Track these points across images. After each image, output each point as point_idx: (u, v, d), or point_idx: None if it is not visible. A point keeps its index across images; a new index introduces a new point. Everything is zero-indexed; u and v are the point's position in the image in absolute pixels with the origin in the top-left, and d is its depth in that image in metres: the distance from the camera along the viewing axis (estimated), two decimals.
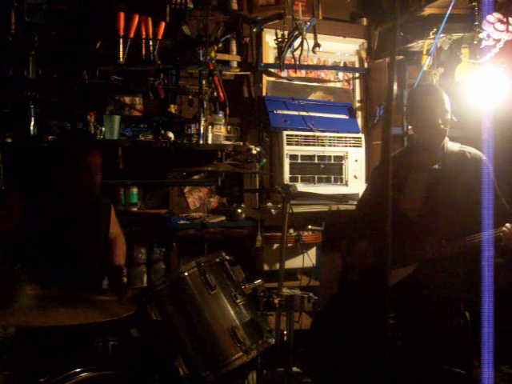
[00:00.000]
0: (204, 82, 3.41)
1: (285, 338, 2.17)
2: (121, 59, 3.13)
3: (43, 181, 2.26)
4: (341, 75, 4.17)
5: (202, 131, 3.33)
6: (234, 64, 3.71)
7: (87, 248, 2.27)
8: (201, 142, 3.33)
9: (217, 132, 3.43)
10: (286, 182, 3.48)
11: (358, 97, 4.13)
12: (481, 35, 2.97)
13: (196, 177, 3.66)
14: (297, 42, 3.43)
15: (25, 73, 2.93)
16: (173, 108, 3.49)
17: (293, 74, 3.97)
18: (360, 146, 3.75)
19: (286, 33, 3.42)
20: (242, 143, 3.57)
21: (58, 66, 3.15)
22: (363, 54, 4.08)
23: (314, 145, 3.63)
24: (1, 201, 2.27)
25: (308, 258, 3.38)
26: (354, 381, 2.37)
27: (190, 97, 3.51)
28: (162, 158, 3.45)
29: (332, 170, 3.69)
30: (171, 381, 1.84)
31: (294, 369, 2.74)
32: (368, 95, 4.07)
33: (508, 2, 3.03)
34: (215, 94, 3.46)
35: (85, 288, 2.09)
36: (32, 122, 2.95)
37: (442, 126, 2.43)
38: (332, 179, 3.68)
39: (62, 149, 2.27)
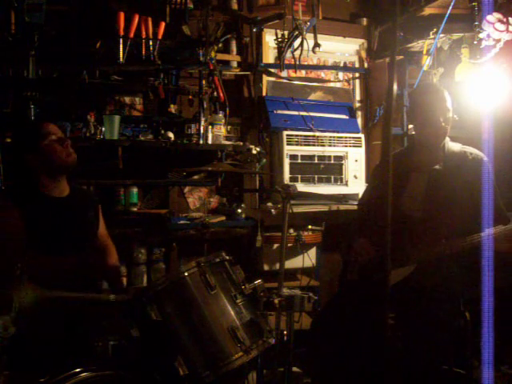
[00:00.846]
0: (204, 82, 3.42)
1: (285, 338, 2.17)
2: (121, 59, 3.14)
3: (24, 180, 2.27)
4: (341, 75, 4.17)
5: (202, 131, 3.34)
6: (234, 64, 3.71)
7: (79, 240, 2.28)
8: (201, 141, 3.34)
9: (217, 132, 3.43)
10: (285, 182, 3.48)
11: (358, 97, 4.14)
12: (481, 35, 2.97)
13: (196, 177, 3.65)
14: (297, 42, 3.43)
15: (25, 73, 2.93)
16: (173, 108, 3.49)
17: (293, 74, 3.97)
18: (360, 146, 3.76)
19: (286, 33, 3.42)
20: (241, 143, 3.57)
21: (58, 66, 3.15)
22: (363, 54, 4.09)
23: (313, 145, 3.63)
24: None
25: (308, 258, 3.38)
26: (354, 381, 2.37)
27: (190, 97, 3.51)
28: (162, 158, 3.44)
29: (332, 170, 3.69)
30: (171, 381, 1.83)
31: (294, 369, 2.74)
32: (368, 95, 4.07)
33: (508, 2, 3.02)
34: (215, 93, 3.46)
35: (82, 283, 2.10)
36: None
37: (443, 124, 2.43)
38: (332, 179, 3.68)
39: (26, 135, 2.33)
